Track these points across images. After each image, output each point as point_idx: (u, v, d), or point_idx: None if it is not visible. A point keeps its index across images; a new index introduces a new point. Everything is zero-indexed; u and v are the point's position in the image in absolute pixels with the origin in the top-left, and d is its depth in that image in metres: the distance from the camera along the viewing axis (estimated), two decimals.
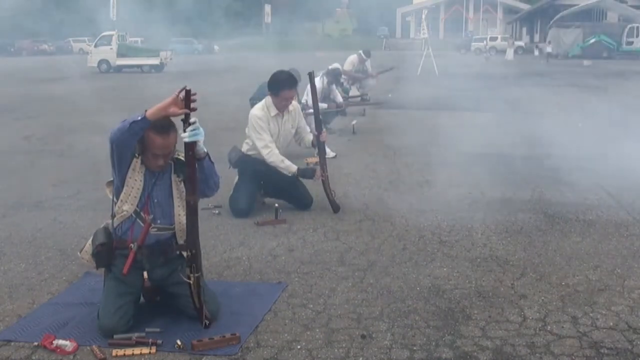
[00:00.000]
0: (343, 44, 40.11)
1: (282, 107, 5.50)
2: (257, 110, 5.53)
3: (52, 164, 7.88)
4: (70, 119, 11.79)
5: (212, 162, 3.53)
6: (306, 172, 5.63)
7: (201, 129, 3.25)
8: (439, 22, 67.80)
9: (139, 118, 3.16)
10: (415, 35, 60.60)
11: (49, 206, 5.87)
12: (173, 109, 3.16)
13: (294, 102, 5.76)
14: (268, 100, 5.54)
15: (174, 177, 3.48)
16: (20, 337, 3.28)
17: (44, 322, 3.45)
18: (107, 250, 3.43)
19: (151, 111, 3.17)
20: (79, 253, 3.63)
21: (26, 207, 5.83)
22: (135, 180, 3.38)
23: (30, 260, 4.46)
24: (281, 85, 5.41)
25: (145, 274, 3.45)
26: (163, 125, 3.27)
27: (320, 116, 9.85)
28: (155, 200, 3.44)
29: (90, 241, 3.52)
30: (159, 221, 3.46)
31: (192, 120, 3.20)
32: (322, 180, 5.59)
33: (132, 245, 3.40)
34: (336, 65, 10.88)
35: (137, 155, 3.36)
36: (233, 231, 5.10)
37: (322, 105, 9.38)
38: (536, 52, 37.85)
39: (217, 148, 7.67)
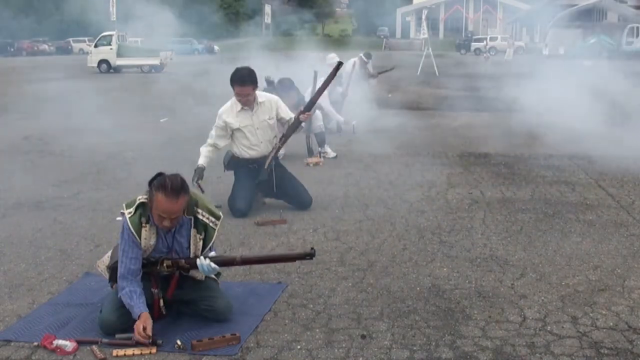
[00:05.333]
0: (343, 44, 40.09)
1: (243, 102, 5.50)
2: (223, 106, 5.61)
3: (52, 164, 7.87)
4: (70, 119, 11.77)
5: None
6: (195, 172, 5.47)
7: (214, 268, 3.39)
8: (439, 22, 67.81)
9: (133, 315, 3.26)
10: (415, 35, 60.60)
11: (49, 206, 5.87)
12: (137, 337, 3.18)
13: (270, 95, 5.79)
14: (234, 97, 5.57)
15: (193, 231, 3.45)
16: (20, 337, 3.28)
17: (44, 322, 3.45)
18: None
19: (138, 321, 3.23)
20: (97, 262, 3.65)
21: (26, 207, 5.83)
22: (149, 245, 3.38)
23: (30, 260, 4.46)
24: (232, 81, 5.46)
25: (161, 302, 3.44)
26: (173, 188, 3.20)
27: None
28: (176, 249, 3.46)
29: (109, 253, 3.55)
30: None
31: (212, 253, 3.47)
32: (273, 148, 5.62)
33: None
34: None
35: (143, 224, 3.34)
36: (233, 231, 5.09)
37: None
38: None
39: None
